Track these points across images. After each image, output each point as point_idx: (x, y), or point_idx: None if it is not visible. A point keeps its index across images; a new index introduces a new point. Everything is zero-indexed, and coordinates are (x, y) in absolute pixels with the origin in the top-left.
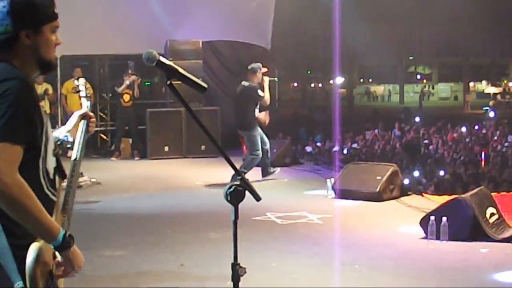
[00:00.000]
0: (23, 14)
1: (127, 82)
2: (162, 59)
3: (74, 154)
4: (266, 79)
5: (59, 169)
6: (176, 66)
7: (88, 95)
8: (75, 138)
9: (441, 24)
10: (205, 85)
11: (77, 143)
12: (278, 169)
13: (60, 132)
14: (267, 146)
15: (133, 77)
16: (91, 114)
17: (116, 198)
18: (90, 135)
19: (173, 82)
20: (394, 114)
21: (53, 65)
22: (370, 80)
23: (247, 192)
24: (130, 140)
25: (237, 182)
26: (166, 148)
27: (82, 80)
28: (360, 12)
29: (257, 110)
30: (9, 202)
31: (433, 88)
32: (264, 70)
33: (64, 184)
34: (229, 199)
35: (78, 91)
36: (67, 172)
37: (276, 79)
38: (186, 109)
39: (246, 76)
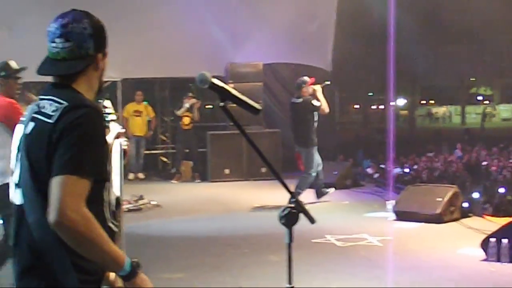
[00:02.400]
0: (101, 37)
1: (187, 105)
2: (215, 81)
3: (117, 191)
4: (318, 87)
5: (116, 199)
6: (229, 88)
7: (114, 118)
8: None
9: (502, 44)
10: (259, 106)
11: (117, 167)
12: (332, 189)
13: None
14: (321, 167)
15: (193, 100)
16: (122, 131)
17: (176, 221)
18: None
19: (229, 105)
20: (455, 135)
21: (103, 88)
22: (432, 102)
23: (302, 215)
24: (191, 163)
25: (292, 205)
26: (227, 171)
27: (108, 102)
28: (422, 33)
29: (315, 124)
30: (75, 236)
31: (495, 109)
32: (311, 80)
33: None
34: (283, 221)
35: (107, 114)
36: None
37: (327, 82)
38: (239, 130)
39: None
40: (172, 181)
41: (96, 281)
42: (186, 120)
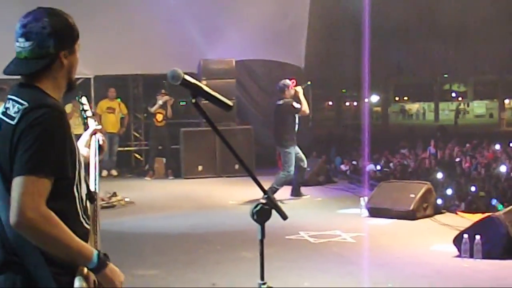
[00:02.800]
0: (63, 35)
1: (160, 102)
2: (186, 77)
3: (92, 185)
4: (299, 89)
5: (88, 194)
6: (201, 84)
7: (93, 114)
8: (89, 159)
9: (475, 41)
10: (230, 103)
11: (92, 163)
12: (308, 196)
13: None
14: (305, 165)
15: (166, 97)
16: (98, 127)
17: (150, 218)
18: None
19: (201, 102)
20: (429, 132)
21: (75, 85)
22: (406, 98)
23: (274, 211)
24: (164, 160)
25: (263, 201)
26: (200, 168)
27: (84, 99)
28: (395, 30)
29: (296, 125)
30: (37, 235)
31: (468, 105)
32: (292, 83)
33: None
34: (255, 218)
35: (84, 111)
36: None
37: (308, 82)
38: (211, 127)
39: (279, 95)
40: (146, 178)
41: (69, 274)
42: (159, 117)
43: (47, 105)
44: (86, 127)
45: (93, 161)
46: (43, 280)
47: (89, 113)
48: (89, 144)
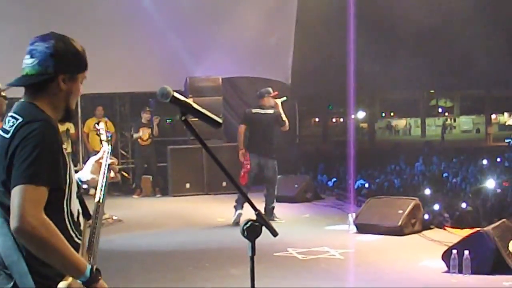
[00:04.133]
0: (65, 58)
1: (139, 134)
2: (176, 95)
3: (97, 196)
4: (279, 102)
5: (83, 210)
6: (190, 102)
7: (109, 138)
8: (97, 181)
9: (461, 56)
10: (220, 120)
11: (99, 185)
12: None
13: (78, 177)
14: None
15: (147, 115)
16: (113, 160)
17: (138, 235)
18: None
19: (190, 119)
20: (415, 147)
21: (73, 115)
22: (392, 114)
23: (264, 228)
24: (151, 178)
25: (254, 218)
26: (188, 185)
27: (102, 124)
28: (380, 46)
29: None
30: (35, 241)
31: (454, 121)
32: (275, 93)
33: (89, 225)
34: (245, 234)
35: (99, 135)
36: (91, 213)
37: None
38: (201, 145)
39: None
40: (133, 196)
41: (53, 285)
42: (145, 135)
43: (40, 119)
44: (98, 150)
45: (100, 184)
46: None
47: (103, 137)
48: (95, 170)
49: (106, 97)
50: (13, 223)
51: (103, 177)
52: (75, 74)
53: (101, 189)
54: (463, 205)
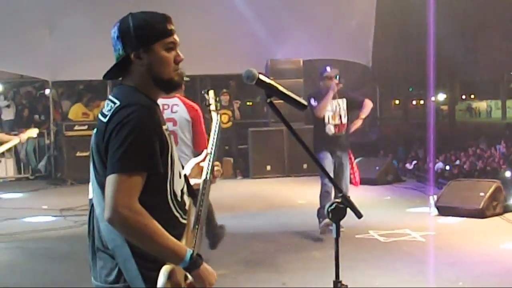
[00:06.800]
0: (129, 36)
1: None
2: (261, 77)
3: (204, 174)
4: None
5: (188, 189)
6: (275, 84)
7: (218, 108)
8: (198, 186)
9: None
10: (305, 102)
11: (206, 163)
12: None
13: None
14: None
15: (227, 97)
16: (218, 166)
17: (219, 217)
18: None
19: (274, 101)
20: (496, 130)
21: (175, 83)
22: (472, 97)
23: (349, 210)
24: (232, 160)
25: (338, 199)
26: (268, 167)
27: (211, 93)
28: (462, 28)
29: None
30: (130, 232)
31: None
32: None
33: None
34: (330, 216)
35: (208, 105)
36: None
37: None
38: (287, 127)
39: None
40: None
41: (158, 269)
42: (225, 118)
43: (136, 103)
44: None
45: (208, 161)
46: (129, 273)
47: (212, 107)
48: (196, 175)
49: (187, 79)
50: (106, 213)
51: (211, 155)
52: (148, 46)
53: (207, 167)
54: None
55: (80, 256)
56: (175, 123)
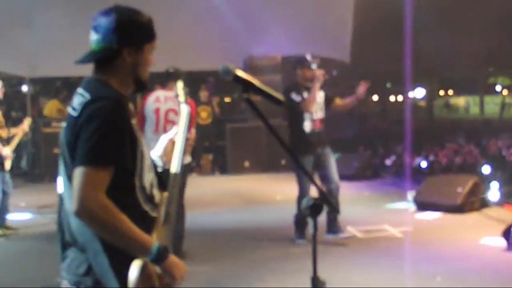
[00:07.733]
0: (128, 31)
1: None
2: (239, 72)
3: (173, 167)
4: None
5: (158, 183)
6: (252, 80)
7: (186, 99)
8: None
9: None
10: (282, 98)
11: (176, 155)
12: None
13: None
14: None
15: (206, 93)
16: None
17: (197, 214)
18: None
19: (252, 97)
20: (474, 126)
21: (146, 85)
22: (451, 93)
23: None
24: (210, 156)
25: (316, 196)
26: (247, 164)
27: (180, 84)
28: (440, 24)
29: None
30: (97, 225)
31: None
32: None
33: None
34: (308, 212)
35: (177, 96)
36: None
37: None
38: (264, 123)
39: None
40: (192, 175)
41: (128, 263)
42: (204, 114)
43: (107, 97)
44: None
45: (177, 153)
46: (100, 267)
47: (181, 99)
48: (168, 152)
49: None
50: (73, 206)
51: (180, 147)
52: (141, 45)
53: (177, 160)
54: None
55: (58, 253)
56: (176, 113)
